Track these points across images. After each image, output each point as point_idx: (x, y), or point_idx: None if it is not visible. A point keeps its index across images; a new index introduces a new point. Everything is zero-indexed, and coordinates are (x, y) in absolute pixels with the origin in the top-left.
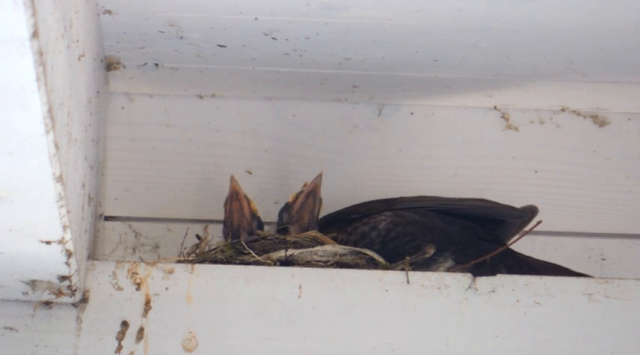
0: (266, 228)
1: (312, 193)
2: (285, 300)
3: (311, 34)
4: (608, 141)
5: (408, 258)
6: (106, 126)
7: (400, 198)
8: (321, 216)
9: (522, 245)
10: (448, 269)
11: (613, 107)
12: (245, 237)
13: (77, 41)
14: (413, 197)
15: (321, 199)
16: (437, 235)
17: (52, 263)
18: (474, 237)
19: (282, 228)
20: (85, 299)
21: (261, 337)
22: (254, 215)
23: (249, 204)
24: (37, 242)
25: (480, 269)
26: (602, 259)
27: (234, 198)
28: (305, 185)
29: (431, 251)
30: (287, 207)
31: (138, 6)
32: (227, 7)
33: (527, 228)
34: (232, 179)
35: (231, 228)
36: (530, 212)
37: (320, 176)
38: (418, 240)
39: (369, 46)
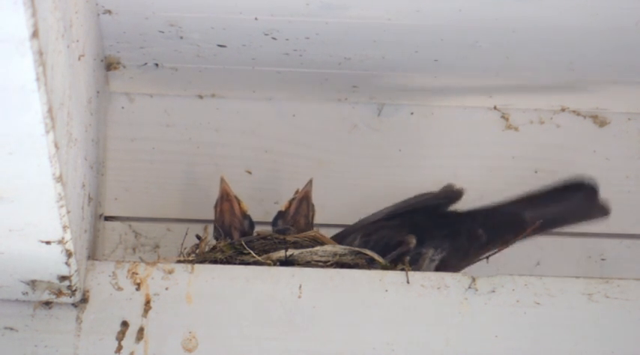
0: (263, 228)
1: (304, 199)
2: (285, 300)
3: (311, 34)
4: (608, 141)
5: (407, 258)
6: (106, 126)
7: (350, 226)
8: (320, 223)
9: (523, 246)
10: (432, 258)
11: (613, 107)
12: (237, 236)
13: (77, 41)
14: (361, 219)
15: (313, 205)
16: (410, 229)
17: (52, 263)
18: (436, 219)
19: (283, 228)
20: (85, 299)
21: (261, 337)
22: (245, 215)
23: (239, 204)
24: (37, 242)
25: (457, 241)
26: (602, 259)
27: (225, 199)
28: (296, 192)
29: (413, 240)
30: (281, 215)
31: (138, 6)
32: (227, 7)
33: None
34: (222, 180)
35: (222, 228)
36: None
37: (310, 182)
38: (397, 236)
39: (369, 46)
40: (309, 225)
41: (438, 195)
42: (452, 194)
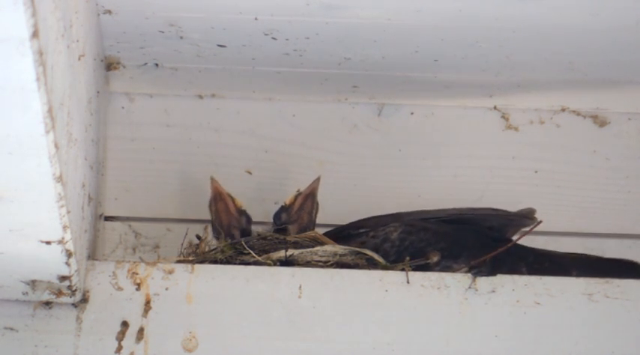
0: (263, 227)
1: (310, 195)
2: (285, 300)
3: (311, 34)
4: (608, 141)
5: (408, 258)
6: (106, 126)
7: (406, 212)
8: (320, 223)
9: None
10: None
11: (613, 107)
12: (237, 234)
13: (77, 41)
14: (419, 210)
15: (318, 203)
16: (449, 242)
17: (52, 263)
18: (485, 239)
19: (282, 227)
20: (85, 300)
21: (261, 337)
22: (240, 211)
23: (233, 201)
24: (37, 242)
25: (498, 270)
26: None
27: (218, 198)
28: (298, 190)
29: (435, 258)
30: (285, 209)
31: (138, 6)
32: (227, 7)
33: (527, 228)
34: (212, 180)
35: (221, 228)
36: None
37: (318, 179)
38: (432, 246)
39: (369, 46)
40: (312, 222)
41: (510, 216)
42: (525, 220)
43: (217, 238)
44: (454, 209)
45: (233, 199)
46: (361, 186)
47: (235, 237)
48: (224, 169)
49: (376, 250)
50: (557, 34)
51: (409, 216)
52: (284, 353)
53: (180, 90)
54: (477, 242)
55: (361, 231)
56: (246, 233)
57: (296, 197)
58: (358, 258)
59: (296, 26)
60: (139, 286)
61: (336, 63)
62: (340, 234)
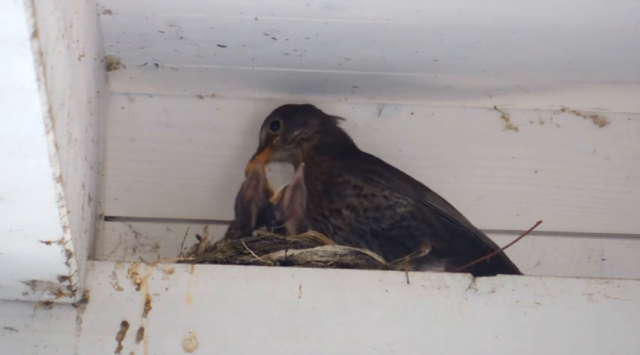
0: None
1: (297, 186)
2: (285, 300)
3: (311, 34)
4: (608, 141)
5: (407, 257)
6: (106, 126)
7: (433, 193)
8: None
9: (523, 246)
10: (437, 269)
11: (613, 107)
12: (254, 211)
13: (77, 41)
14: (445, 201)
15: (306, 190)
16: (443, 244)
17: (52, 263)
18: (478, 252)
19: (281, 227)
20: (85, 300)
21: (261, 337)
22: (268, 194)
23: (265, 183)
24: (37, 242)
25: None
26: (602, 259)
27: (252, 176)
28: (277, 192)
29: (426, 250)
30: (275, 207)
31: (138, 6)
32: (227, 7)
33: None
34: (255, 162)
35: (241, 202)
36: None
37: (301, 168)
38: (424, 239)
39: (369, 46)
40: (304, 211)
41: (508, 263)
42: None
43: (236, 210)
44: (467, 221)
45: (266, 181)
46: None
47: (252, 213)
48: (224, 169)
49: (377, 209)
50: (557, 35)
51: (432, 199)
52: (284, 353)
53: (180, 90)
54: (468, 251)
55: (382, 182)
56: (264, 214)
57: (283, 191)
58: (358, 258)
59: (296, 26)
60: (139, 286)
61: (336, 63)
62: (366, 171)
